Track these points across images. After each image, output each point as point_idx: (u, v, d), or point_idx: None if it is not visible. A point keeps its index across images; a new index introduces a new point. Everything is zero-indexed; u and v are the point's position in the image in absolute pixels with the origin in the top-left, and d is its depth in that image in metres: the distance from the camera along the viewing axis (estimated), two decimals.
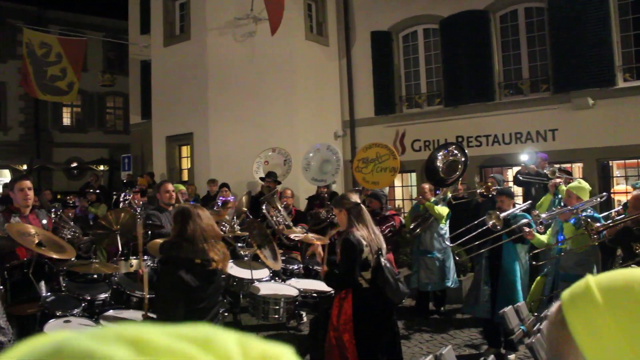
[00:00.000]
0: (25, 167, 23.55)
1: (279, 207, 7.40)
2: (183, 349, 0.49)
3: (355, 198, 4.69)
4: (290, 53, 13.44)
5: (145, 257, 6.09)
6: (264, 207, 6.93)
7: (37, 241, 4.71)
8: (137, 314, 4.82)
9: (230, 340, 0.52)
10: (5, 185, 16.58)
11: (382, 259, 4.61)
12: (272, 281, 5.75)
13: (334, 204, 4.87)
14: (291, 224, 7.26)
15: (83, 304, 4.95)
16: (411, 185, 14.57)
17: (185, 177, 14.23)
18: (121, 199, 9.48)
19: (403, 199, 14.59)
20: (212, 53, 13.28)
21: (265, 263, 5.48)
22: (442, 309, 8.62)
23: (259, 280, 5.57)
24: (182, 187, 9.67)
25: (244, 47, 13.22)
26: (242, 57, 13.13)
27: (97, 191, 13.47)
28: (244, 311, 7.18)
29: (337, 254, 5.07)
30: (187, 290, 3.63)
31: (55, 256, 4.76)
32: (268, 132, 12.64)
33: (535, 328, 4.27)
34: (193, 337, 0.50)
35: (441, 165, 8.21)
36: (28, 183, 5.24)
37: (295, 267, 6.48)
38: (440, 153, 8.30)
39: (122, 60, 25.19)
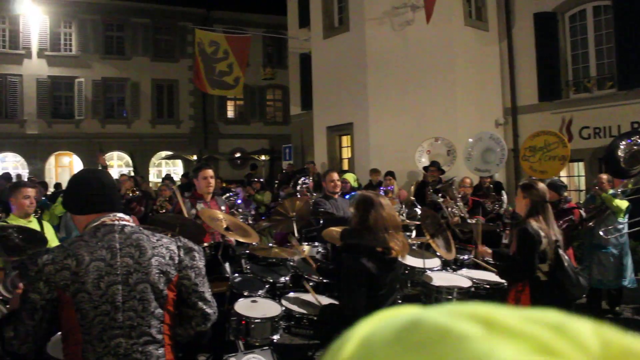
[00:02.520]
0: (195, 157, 25.40)
1: (457, 198, 7.32)
2: (534, 331, 0.47)
3: (544, 191, 4.51)
4: (449, 40, 13.22)
5: (316, 244, 6.37)
6: (439, 196, 6.88)
7: (225, 225, 5.08)
8: (316, 297, 5.05)
9: (586, 329, 0.47)
10: (186, 174, 18.12)
11: (561, 251, 4.42)
12: (444, 271, 5.76)
13: (522, 186, 4.69)
14: (467, 215, 7.14)
15: (266, 286, 5.26)
16: (578, 176, 13.73)
17: (345, 166, 14.58)
18: (298, 185, 9.93)
19: (569, 190, 13.79)
20: (371, 43, 13.43)
21: (438, 252, 5.48)
22: (616, 309, 8.02)
23: (431, 270, 5.60)
24: (351, 177, 9.86)
25: (402, 36, 13.22)
26: (401, 46, 13.14)
27: (262, 180, 14.26)
28: (404, 300, 7.22)
29: (512, 245, 4.95)
30: (369, 277, 3.72)
31: (241, 240, 5.11)
32: (428, 121, 12.56)
33: None
34: (545, 322, 0.48)
35: (623, 154, 7.61)
36: (210, 172, 5.75)
37: (466, 257, 6.42)
38: (623, 142, 7.69)
39: (281, 54, 26.34)
